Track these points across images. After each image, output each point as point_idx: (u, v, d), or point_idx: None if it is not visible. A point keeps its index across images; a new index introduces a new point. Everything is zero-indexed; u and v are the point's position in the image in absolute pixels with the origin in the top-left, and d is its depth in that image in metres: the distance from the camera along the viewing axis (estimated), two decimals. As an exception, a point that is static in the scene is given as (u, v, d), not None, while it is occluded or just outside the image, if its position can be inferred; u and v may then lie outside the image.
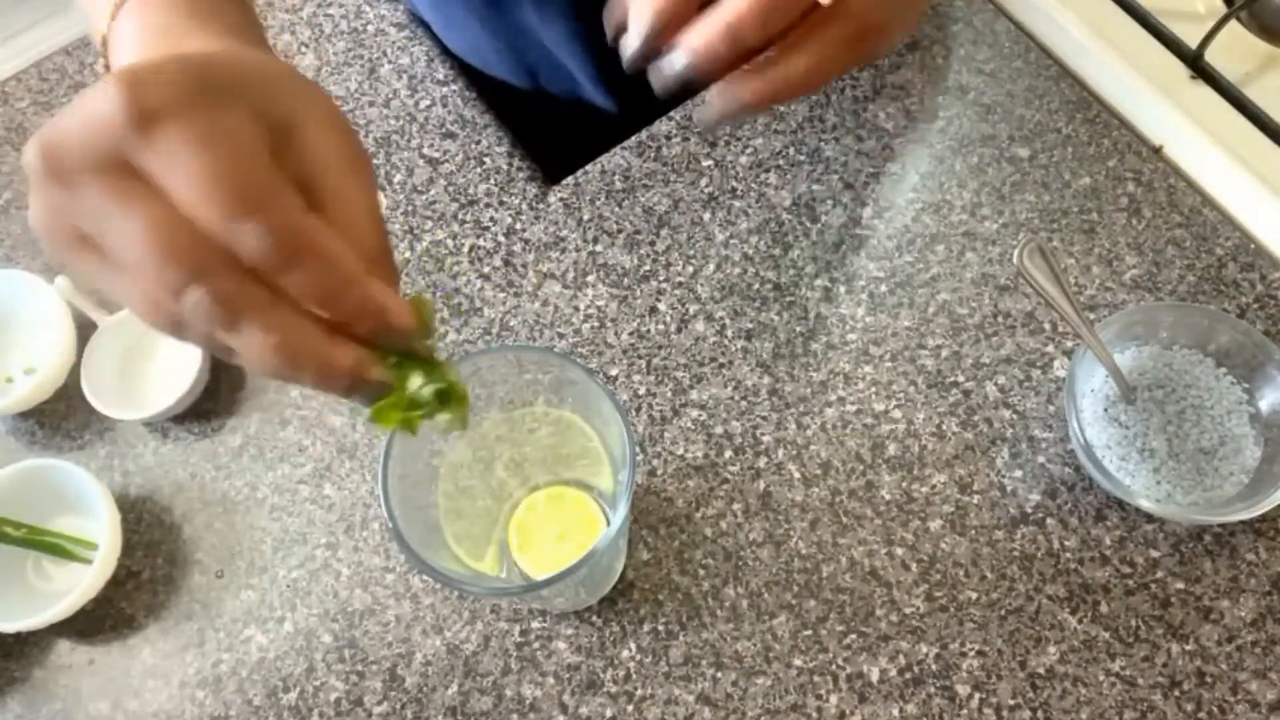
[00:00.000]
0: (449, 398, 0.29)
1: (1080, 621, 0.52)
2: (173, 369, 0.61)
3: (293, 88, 0.28)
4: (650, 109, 0.66)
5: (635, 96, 0.68)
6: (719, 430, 0.58)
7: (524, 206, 0.65)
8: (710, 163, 0.65)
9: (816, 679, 0.52)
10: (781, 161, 0.65)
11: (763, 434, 0.58)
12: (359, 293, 0.26)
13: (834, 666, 0.52)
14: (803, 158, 0.65)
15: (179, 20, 0.32)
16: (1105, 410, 0.56)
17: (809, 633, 0.53)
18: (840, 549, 0.55)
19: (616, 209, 0.64)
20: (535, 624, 0.54)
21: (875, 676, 0.52)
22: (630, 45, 0.33)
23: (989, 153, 0.64)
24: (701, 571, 0.55)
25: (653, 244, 0.63)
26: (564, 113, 0.75)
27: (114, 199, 0.24)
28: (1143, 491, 0.53)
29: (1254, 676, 0.51)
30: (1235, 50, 0.64)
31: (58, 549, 0.57)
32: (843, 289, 0.61)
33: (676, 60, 0.33)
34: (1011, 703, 0.51)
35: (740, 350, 0.60)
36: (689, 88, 0.34)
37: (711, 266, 0.62)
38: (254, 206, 0.24)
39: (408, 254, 0.64)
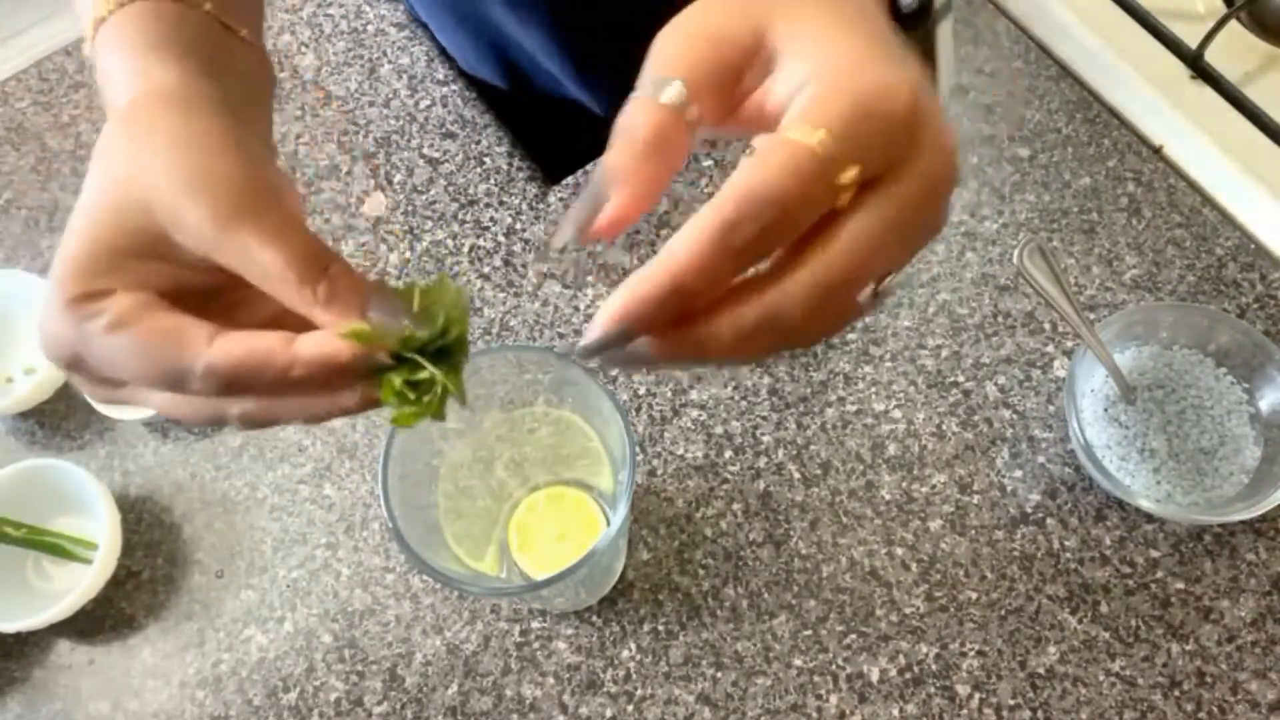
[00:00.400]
0: (448, 368, 0.27)
1: (1080, 621, 0.52)
2: (173, 369, 0.61)
3: (159, 193, 0.27)
4: None
5: (618, 91, 0.68)
6: (719, 430, 0.58)
7: (524, 206, 0.65)
8: (710, 163, 0.65)
9: (816, 679, 0.52)
10: (781, 161, 0.65)
11: (763, 434, 0.58)
12: (298, 374, 0.26)
13: (834, 666, 0.52)
14: (803, 158, 0.65)
15: (141, 59, 0.31)
16: (1105, 410, 0.56)
17: (809, 633, 0.53)
18: (840, 549, 0.55)
19: (616, 209, 0.64)
20: (535, 624, 0.54)
21: (875, 676, 0.52)
22: (589, 335, 0.26)
23: (989, 153, 0.64)
24: (701, 571, 0.55)
25: (653, 244, 0.63)
26: (559, 112, 0.75)
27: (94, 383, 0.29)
28: (1143, 491, 0.53)
29: (1254, 676, 0.51)
30: (1235, 50, 0.64)
31: (58, 549, 0.57)
32: (843, 289, 0.61)
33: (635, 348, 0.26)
34: (1011, 703, 0.51)
35: (740, 350, 0.60)
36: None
37: (711, 266, 0.62)
38: (174, 373, 0.27)
39: (408, 254, 0.64)
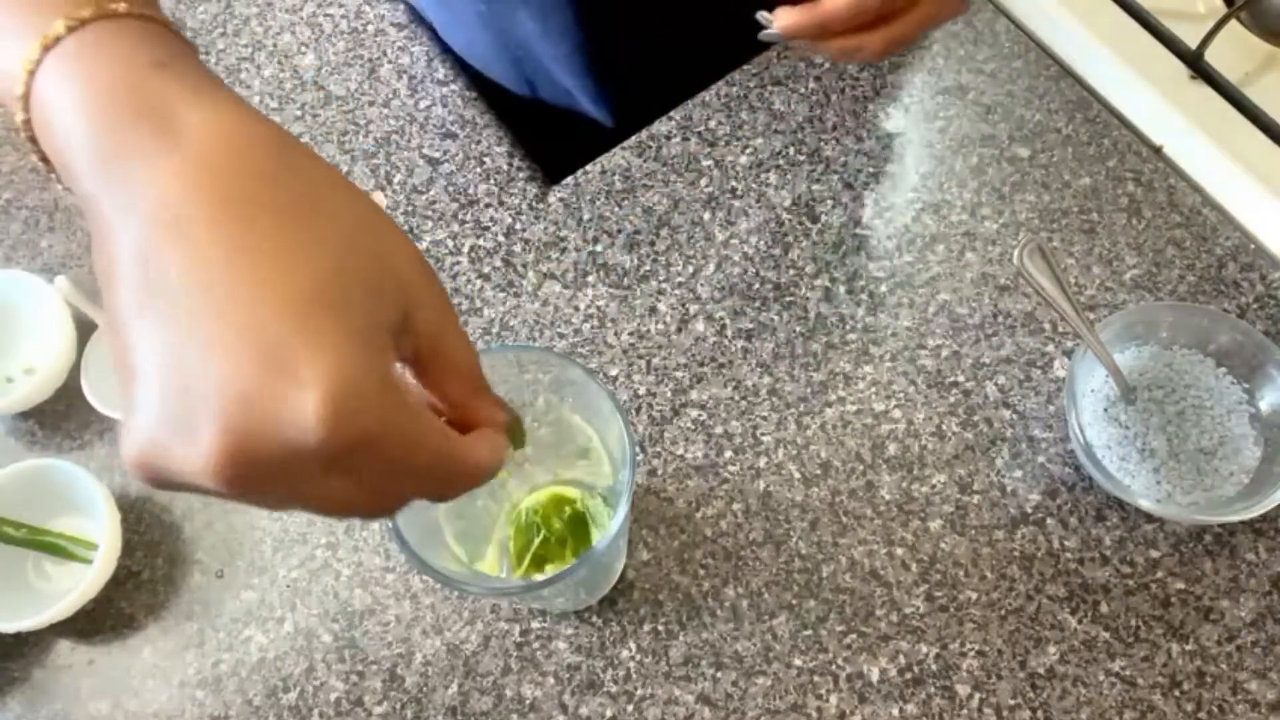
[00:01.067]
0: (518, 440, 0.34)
1: (1080, 621, 0.52)
2: (173, 369, 0.61)
3: (409, 278, 0.25)
4: (648, 125, 0.66)
5: (633, 114, 0.68)
6: (719, 430, 0.58)
7: (524, 206, 0.65)
8: (710, 163, 0.65)
9: (816, 679, 0.52)
10: (781, 161, 0.65)
11: (763, 434, 0.58)
12: (470, 480, 0.28)
13: (834, 666, 0.52)
14: (803, 158, 0.65)
15: (150, 77, 0.23)
16: (1105, 410, 0.56)
17: (809, 633, 0.53)
18: (840, 549, 0.55)
19: (616, 209, 0.64)
20: (535, 624, 0.54)
21: (875, 676, 0.52)
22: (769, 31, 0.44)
23: (989, 153, 0.64)
24: (701, 571, 0.55)
25: (653, 244, 0.63)
26: (561, 121, 0.75)
27: (293, 499, 0.24)
28: (1143, 491, 0.53)
29: (1254, 676, 0.51)
30: (1235, 50, 0.64)
31: (58, 549, 0.57)
32: (843, 289, 0.61)
33: (770, 34, 0.44)
34: (1011, 703, 0.51)
35: (740, 350, 0.60)
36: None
37: (711, 266, 0.62)
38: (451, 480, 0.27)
39: (408, 254, 0.64)
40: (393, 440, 0.23)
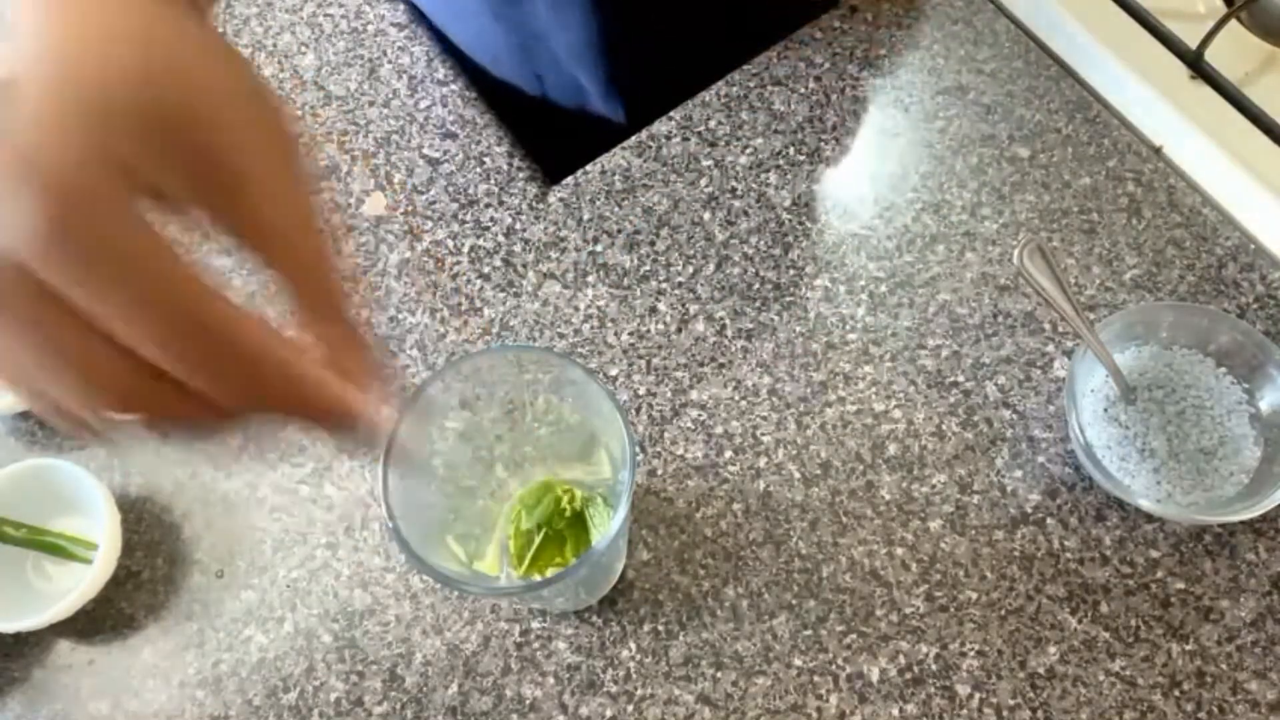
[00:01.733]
0: None
1: (1080, 621, 0.52)
2: (173, 369, 0.61)
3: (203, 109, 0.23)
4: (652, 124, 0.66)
5: (645, 108, 0.68)
6: (719, 430, 0.58)
7: (524, 206, 0.65)
8: (710, 163, 0.65)
9: (816, 679, 0.52)
10: (781, 161, 0.65)
11: (763, 434, 0.58)
12: (321, 401, 0.24)
13: (834, 666, 0.52)
14: (803, 158, 0.65)
15: None
16: (1105, 410, 0.56)
17: (809, 633, 0.53)
18: (840, 549, 0.55)
19: (616, 209, 0.64)
20: (535, 624, 0.54)
21: (875, 676, 0.52)
22: None
23: (989, 153, 0.64)
24: (701, 571, 0.55)
25: (653, 244, 0.63)
26: (567, 120, 0.75)
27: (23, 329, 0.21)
28: (1143, 491, 0.53)
29: (1254, 676, 0.51)
30: (1235, 50, 0.64)
31: (58, 549, 0.57)
32: (843, 289, 0.61)
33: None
34: (1011, 703, 0.51)
35: (740, 350, 0.60)
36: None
37: (711, 266, 0.62)
38: (193, 312, 0.22)
39: (408, 254, 0.64)
40: (111, 257, 0.20)
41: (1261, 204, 0.60)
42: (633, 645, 0.54)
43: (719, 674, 0.53)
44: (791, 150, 0.65)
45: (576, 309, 0.62)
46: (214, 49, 0.24)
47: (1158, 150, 0.64)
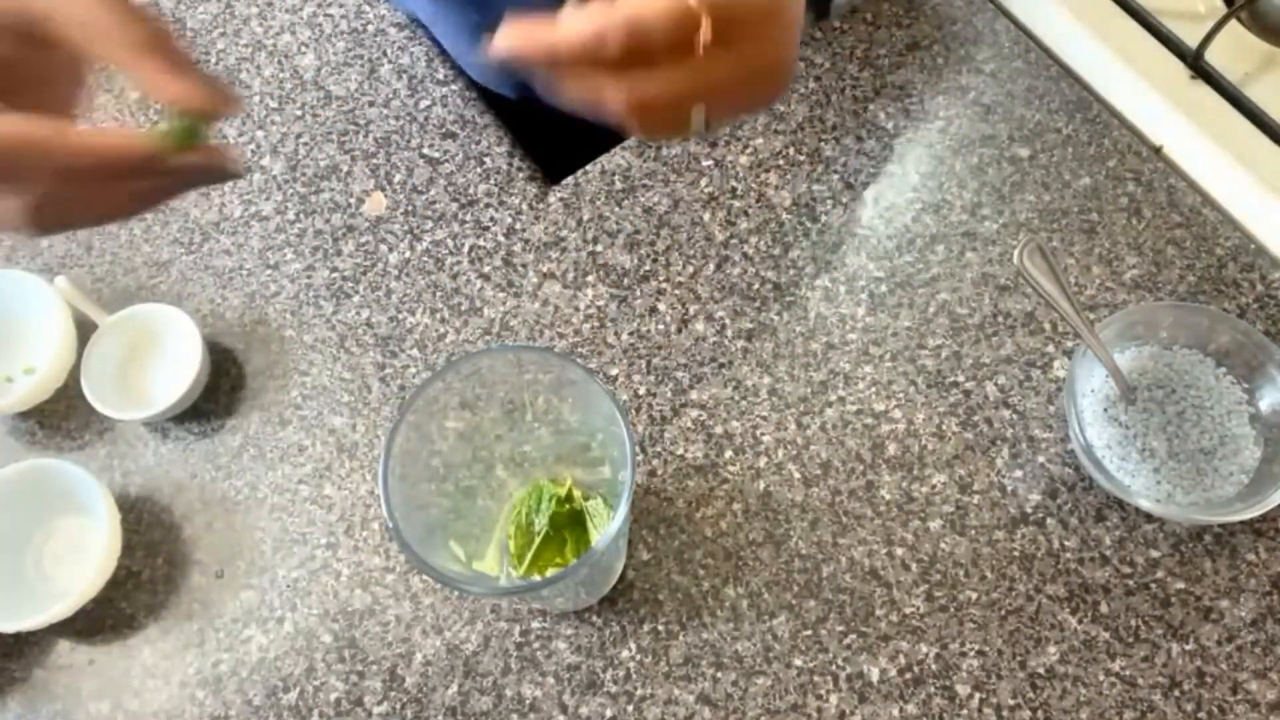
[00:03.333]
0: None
1: (1080, 621, 0.52)
2: (173, 369, 0.61)
3: None
4: None
5: None
6: (719, 430, 0.58)
7: (524, 206, 0.65)
8: (710, 163, 0.65)
9: (816, 679, 0.52)
10: (781, 161, 0.65)
11: (763, 434, 0.58)
12: (86, 164, 0.28)
13: (834, 666, 0.52)
14: (803, 158, 0.65)
15: None
16: (1105, 410, 0.56)
17: (809, 633, 0.53)
18: (840, 549, 0.55)
19: (616, 209, 0.64)
20: (535, 624, 0.54)
21: (875, 676, 0.52)
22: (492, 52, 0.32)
23: (989, 153, 0.64)
24: (701, 571, 0.55)
25: (653, 244, 0.63)
26: (562, 121, 0.74)
27: None
28: (1143, 491, 0.53)
29: (1254, 676, 0.51)
30: (1235, 50, 0.64)
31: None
32: (843, 289, 0.61)
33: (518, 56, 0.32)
34: (1011, 703, 0.51)
35: (740, 350, 0.60)
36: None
37: (711, 266, 0.62)
38: None
39: (408, 254, 0.64)
40: None
41: (1261, 204, 0.60)
42: (633, 645, 0.54)
43: (719, 674, 0.53)
44: (791, 150, 0.65)
45: (576, 309, 0.62)
46: None
47: (1158, 150, 0.64)
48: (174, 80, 0.29)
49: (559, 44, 0.30)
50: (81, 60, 0.33)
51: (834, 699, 0.52)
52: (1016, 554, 0.54)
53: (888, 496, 0.56)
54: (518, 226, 0.65)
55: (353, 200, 0.66)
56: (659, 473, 0.57)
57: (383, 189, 0.67)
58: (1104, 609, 0.53)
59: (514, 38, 0.31)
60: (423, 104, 0.69)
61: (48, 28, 0.28)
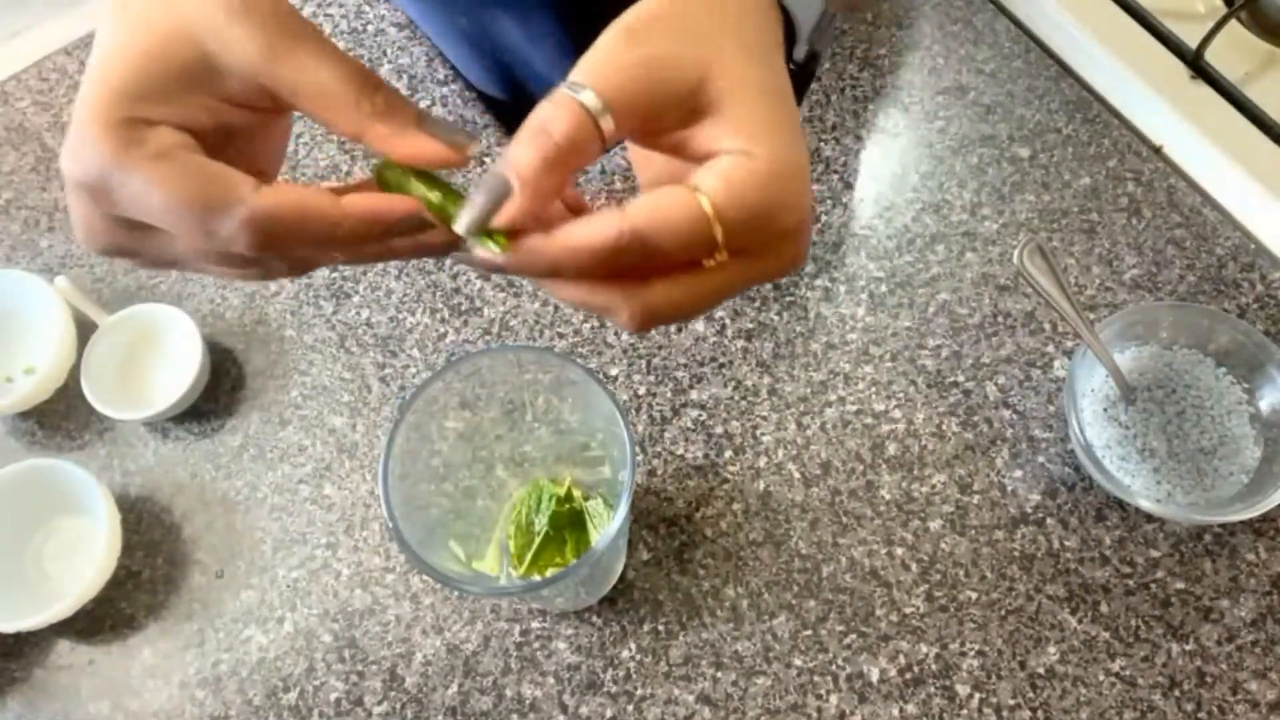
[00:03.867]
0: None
1: (1080, 621, 0.52)
2: (173, 369, 0.61)
3: (201, 32, 0.27)
4: None
5: None
6: (719, 430, 0.58)
7: (524, 206, 0.65)
8: (710, 163, 0.65)
9: (816, 679, 0.52)
10: (781, 161, 0.65)
11: (763, 434, 0.58)
12: (347, 229, 0.27)
13: (834, 666, 0.52)
14: (803, 158, 0.65)
15: None
16: (1105, 410, 0.56)
17: (809, 633, 0.53)
18: (840, 549, 0.55)
19: (616, 209, 0.64)
20: (535, 624, 0.54)
21: (875, 676, 0.52)
22: (472, 205, 0.27)
23: (989, 153, 0.64)
24: (701, 571, 0.55)
25: (653, 244, 0.63)
26: None
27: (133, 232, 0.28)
28: (1143, 491, 0.53)
29: (1254, 676, 0.51)
30: (1235, 50, 0.64)
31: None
32: (843, 289, 0.61)
33: (496, 257, 0.28)
34: (1011, 703, 0.51)
35: (740, 350, 0.60)
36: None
37: (711, 266, 0.62)
38: (212, 215, 0.26)
39: (408, 254, 0.64)
40: (127, 174, 0.26)
41: (1261, 204, 0.60)
42: (633, 645, 0.54)
43: (719, 674, 0.53)
44: (791, 150, 0.65)
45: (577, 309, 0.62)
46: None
47: (1158, 150, 0.64)
48: (402, 141, 0.29)
49: (561, 260, 0.27)
50: (290, 121, 0.33)
51: (834, 699, 0.52)
52: (1016, 554, 0.54)
53: (888, 496, 0.56)
54: (518, 226, 0.64)
55: (353, 200, 0.66)
56: (659, 473, 0.57)
57: (383, 189, 0.67)
58: (1104, 609, 0.53)
59: (507, 253, 0.27)
60: (423, 104, 0.69)
61: (292, 100, 0.28)
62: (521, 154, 0.26)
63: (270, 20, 0.27)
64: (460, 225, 0.27)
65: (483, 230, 0.27)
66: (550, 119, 0.26)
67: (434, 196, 0.29)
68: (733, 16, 0.29)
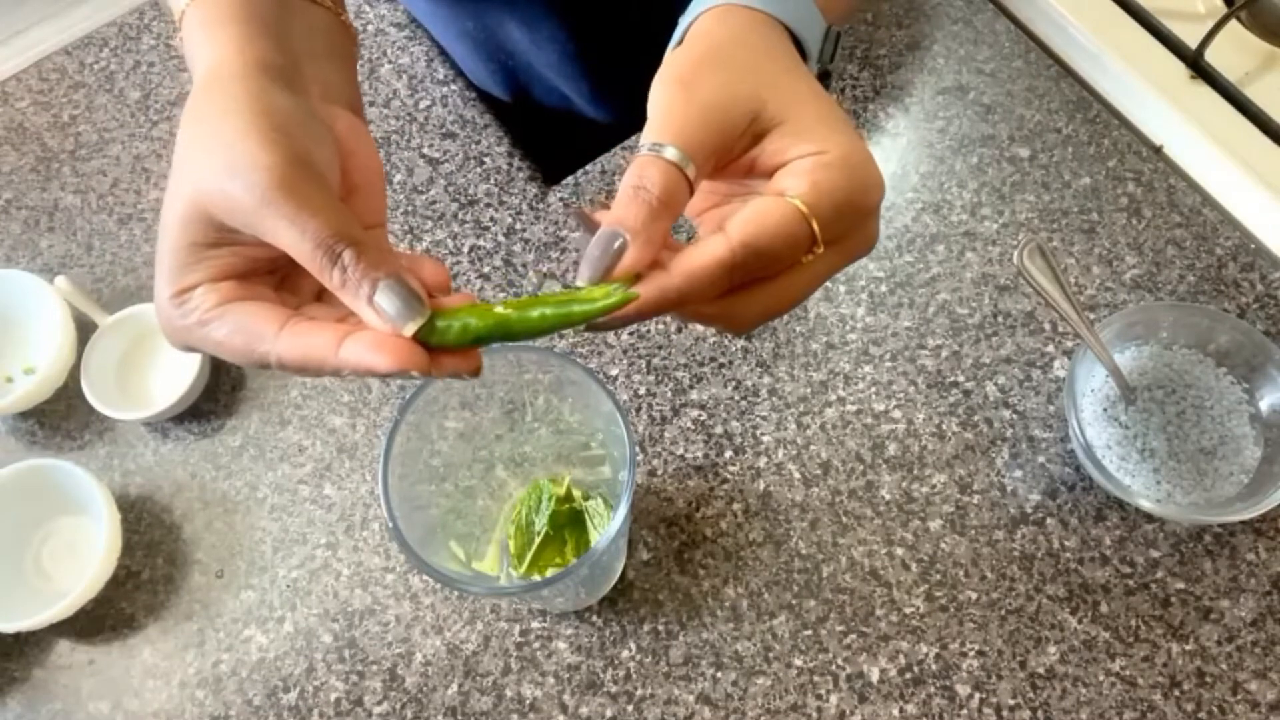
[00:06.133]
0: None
1: (1080, 621, 0.52)
2: (173, 369, 0.61)
3: (209, 197, 0.29)
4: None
5: (635, 111, 0.68)
6: (719, 430, 0.58)
7: (524, 206, 0.65)
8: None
9: (816, 679, 0.52)
10: (781, 161, 0.65)
11: (763, 434, 0.58)
12: (347, 373, 0.30)
13: (834, 666, 0.52)
14: (803, 158, 0.65)
15: (230, 30, 0.33)
16: (1105, 410, 0.56)
17: (809, 633, 0.53)
18: (840, 549, 0.55)
19: (616, 209, 0.64)
20: (535, 624, 0.54)
21: (875, 676, 0.52)
22: (589, 260, 0.31)
23: (989, 153, 0.64)
24: (701, 571, 0.55)
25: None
26: (560, 122, 0.75)
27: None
28: (1143, 491, 0.53)
29: (1254, 676, 0.51)
30: (1235, 50, 0.64)
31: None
32: (843, 289, 0.61)
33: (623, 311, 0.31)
34: (1011, 703, 0.51)
35: (740, 350, 0.60)
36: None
37: (711, 266, 0.62)
38: (253, 361, 0.30)
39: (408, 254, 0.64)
40: (194, 340, 0.31)
41: (1261, 204, 0.60)
42: (633, 645, 0.54)
43: (719, 674, 0.53)
44: (791, 150, 0.65)
45: (576, 309, 0.62)
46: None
47: (1158, 150, 0.64)
48: (355, 311, 0.30)
49: (685, 289, 0.29)
50: (381, 169, 0.36)
51: (834, 699, 0.52)
52: (1016, 554, 0.54)
53: (888, 496, 0.56)
54: (518, 226, 0.65)
55: (353, 200, 0.66)
56: (659, 473, 0.57)
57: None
58: (1104, 609, 0.53)
59: (636, 304, 0.30)
60: (423, 104, 0.69)
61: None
62: (628, 211, 0.29)
63: (255, 181, 0.28)
64: (582, 277, 0.30)
65: (603, 279, 0.30)
66: (645, 178, 0.29)
67: (499, 309, 0.32)
68: (762, 46, 0.33)
